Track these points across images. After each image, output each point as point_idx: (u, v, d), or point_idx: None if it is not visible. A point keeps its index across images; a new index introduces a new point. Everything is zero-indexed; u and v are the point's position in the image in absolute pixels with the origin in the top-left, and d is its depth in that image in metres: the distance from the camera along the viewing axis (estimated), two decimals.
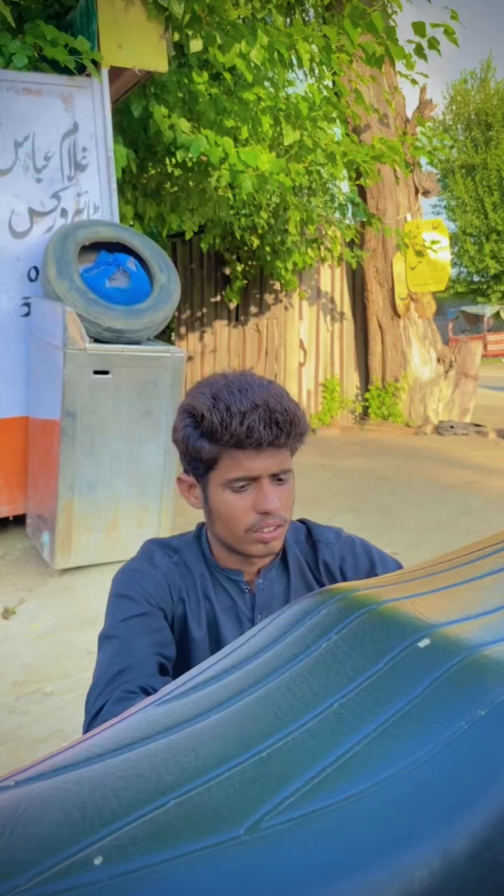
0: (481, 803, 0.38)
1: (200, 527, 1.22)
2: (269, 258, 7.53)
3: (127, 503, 3.70)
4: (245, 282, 8.29)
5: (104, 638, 1.10)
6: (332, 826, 0.39)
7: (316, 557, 1.22)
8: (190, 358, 8.60)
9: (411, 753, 0.41)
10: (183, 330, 8.83)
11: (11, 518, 4.13)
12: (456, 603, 0.56)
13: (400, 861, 0.37)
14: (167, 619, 1.13)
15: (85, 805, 0.42)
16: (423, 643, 0.49)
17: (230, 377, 1.10)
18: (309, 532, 1.25)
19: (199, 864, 0.37)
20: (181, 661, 1.14)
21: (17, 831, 0.41)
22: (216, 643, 1.15)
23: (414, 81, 5.89)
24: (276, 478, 1.09)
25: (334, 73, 5.58)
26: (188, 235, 6.08)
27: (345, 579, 1.21)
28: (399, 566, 1.23)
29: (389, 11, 5.71)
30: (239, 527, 1.09)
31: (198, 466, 1.11)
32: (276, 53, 4.24)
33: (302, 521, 1.27)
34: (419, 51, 4.50)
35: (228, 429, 1.04)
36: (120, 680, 1.01)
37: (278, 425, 1.05)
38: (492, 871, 0.37)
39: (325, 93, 5.45)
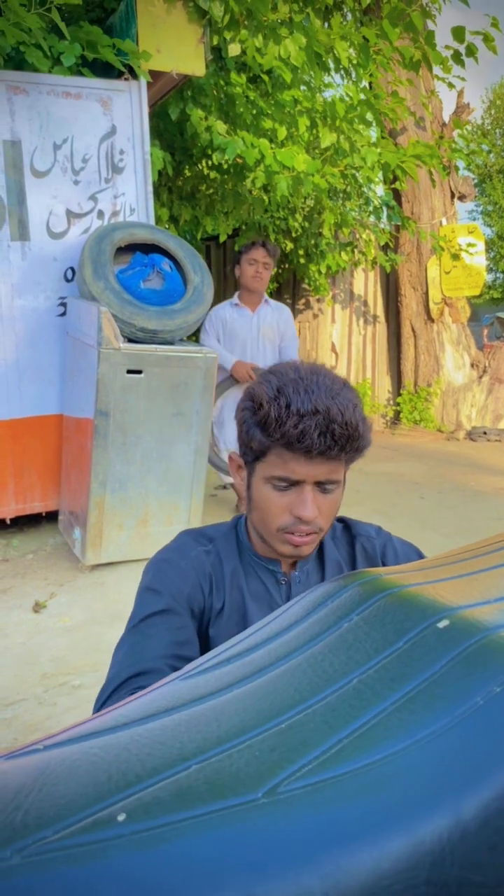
0: (495, 775, 0.39)
1: (238, 517, 1.22)
2: (302, 261, 7.54)
3: (157, 501, 3.74)
4: (276, 285, 8.31)
5: (126, 631, 1.11)
6: (348, 792, 0.40)
7: (353, 553, 1.20)
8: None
9: (427, 727, 0.42)
10: None
11: (45, 514, 4.19)
12: (476, 588, 0.57)
13: (412, 826, 0.38)
14: (194, 614, 1.13)
15: (110, 768, 0.44)
16: (443, 624, 0.49)
17: (302, 371, 1.05)
18: (347, 528, 1.23)
19: (217, 824, 0.39)
20: (207, 651, 1.14)
21: (45, 790, 0.43)
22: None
23: (451, 85, 5.85)
24: (322, 486, 1.05)
25: (371, 76, 5.58)
26: (222, 238, 6.11)
27: None
28: None
29: (430, 13, 5.68)
30: (273, 523, 1.07)
31: (248, 452, 1.08)
32: (313, 55, 4.25)
33: (339, 519, 1.24)
34: (457, 57, 4.48)
35: (282, 427, 1.00)
36: (130, 685, 1.01)
37: (334, 436, 1.01)
38: (503, 838, 0.38)
39: (362, 95, 5.45)
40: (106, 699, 1.02)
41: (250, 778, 0.41)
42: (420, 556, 1.23)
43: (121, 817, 0.39)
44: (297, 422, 0.99)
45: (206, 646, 1.15)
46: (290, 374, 1.05)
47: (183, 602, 1.12)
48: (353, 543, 1.21)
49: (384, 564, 1.19)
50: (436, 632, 0.49)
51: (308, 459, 1.02)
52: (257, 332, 4.14)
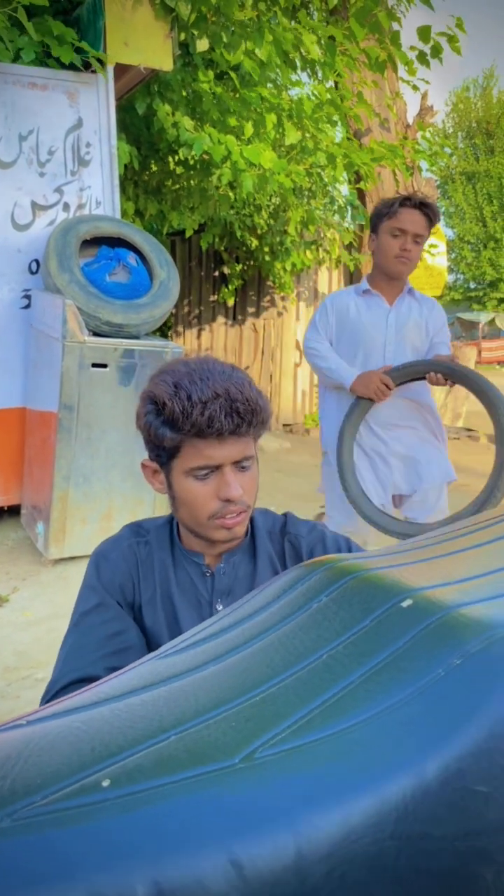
0: (454, 739, 0.43)
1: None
2: (267, 258, 7.57)
3: (121, 495, 3.73)
4: (242, 282, 8.33)
5: (69, 627, 1.16)
6: (319, 757, 0.43)
7: (283, 549, 1.23)
8: (186, 356, 8.62)
9: (393, 696, 0.45)
10: (180, 328, 8.87)
11: (6, 508, 4.16)
12: (436, 572, 0.60)
13: (378, 786, 0.41)
14: (126, 603, 1.17)
15: (93, 739, 0.46)
16: (406, 603, 0.53)
17: (192, 364, 1.09)
18: (285, 524, 1.25)
19: (198, 787, 0.41)
20: (143, 639, 1.16)
21: (31, 760, 0.45)
22: (174, 624, 1.16)
23: (415, 87, 5.94)
24: (239, 465, 1.09)
25: (338, 75, 5.63)
26: (188, 233, 6.11)
27: None
28: None
29: (397, 14, 5.76)
30: (202, 513, 1.09)
31: (161, 454, 1.10)
32: (281, 51, 4.28)
33: (284, 515, 1.28)
34: (422, 58, 4.55)
35: (189, 418, 1.03)
36: (69, 691, 1.04)
37: (239, 414, 1.05)
38: (462, 796, 0.41)
39: (328, 95, 5.50)
40: (49, 699, 1.07)
41: (227, 746, 0.44)
42: (350, 547, 1.25)
43: (105, 783, 0.41)
44: (202, 409, 1.03)
45: (140, 629, 1.18)
46: (181, 368, 1.09)
47: (116, 593, 1.16)
48: (283, 540, 1.24)
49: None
50: (400, 610, 0.52)
51: (221, 442, 1.06)
52: (395, 333, 2.64)
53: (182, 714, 0.48)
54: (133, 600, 1.17)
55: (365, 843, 0.39)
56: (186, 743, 0.45)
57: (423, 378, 2.49)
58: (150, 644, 1.15)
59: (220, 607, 1.16)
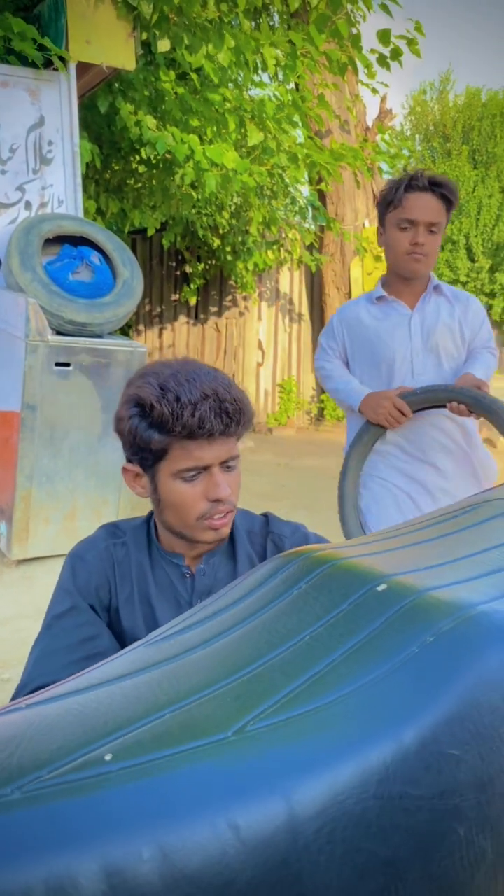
0: (429, 708, 0.47)
1: (151, 513, 1.23)
2: (229, 258, 7.60)
3: (85, 495, 3.73)
4: (203, 281, 8.35)
5: (42, 629, 1.15)
6: (307, 728, 0.46)
7: (265, 549, 1.23)
8: (149, 355, 8.60)
9: (372, 672, 0.49)
10: (141, 326, 8.84)
11: None
12: (406, 559, 0.64)
13: (361, 753, 0.45)
14: (102, 605, 1.16)
15: (92, 719, 0.49)
16: (381, 588, 0.56)
17: (175, 365, 1.09)
18: (266, 524, 1.25)
19: (196, 758, 0.44)
20: (123, 645, 1.15)
21: (34, 739, 0.47)
22: (153, 625, 1.15)
23: (375, 90, 6.04)
24: (225, 465, 1.10)
25: (298, 77, 5.69)
26: (150, 232, 6.11)
27: None
28: None
29: (354, 20, 5.84)
30: (191, 515, 1.10)
31: (146, 457, 1.09)
32: (242, 56, 4.32)
33: (265, 515, 1.28)
34: (382, 60, 4.63)
35: (180, 420, 1.03)
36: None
37: (228, 415, 1.06)
38: (437, 760, 0.45)
39: (289, 96, 5.55)
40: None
41: (220, 720, 0.47)
42: None
43: (108, 757, 0.44)
44: (192, 411, 1.03)
45: (117, 631, 1.17)
46: (164, 370, 1.08)
47: (91, 596, 1.15)
48: (266, 539, 1.24)
49: None
50: (375, 594, 0.56)
51: (210, 443, 1.06)
52: (422, 341, 2.17)
53: (175, 694, 0.51)
54: (109, 602, 1.17)
55: (350, 803, 0.43)
56: (181, 719, 0.48)
57: (444, 406, 2.05)
58: (128, 642, 1.14)
59: None
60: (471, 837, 0.45)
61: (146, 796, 0.42)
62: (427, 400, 2.08)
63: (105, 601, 1.17)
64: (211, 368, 1.11)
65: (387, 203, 2.06)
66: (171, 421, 1.03)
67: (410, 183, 2.02)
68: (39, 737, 0.47)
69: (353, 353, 2.24)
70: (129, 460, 1.14)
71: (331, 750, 0.44)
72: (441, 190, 2.01)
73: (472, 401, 2.02)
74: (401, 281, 2.15)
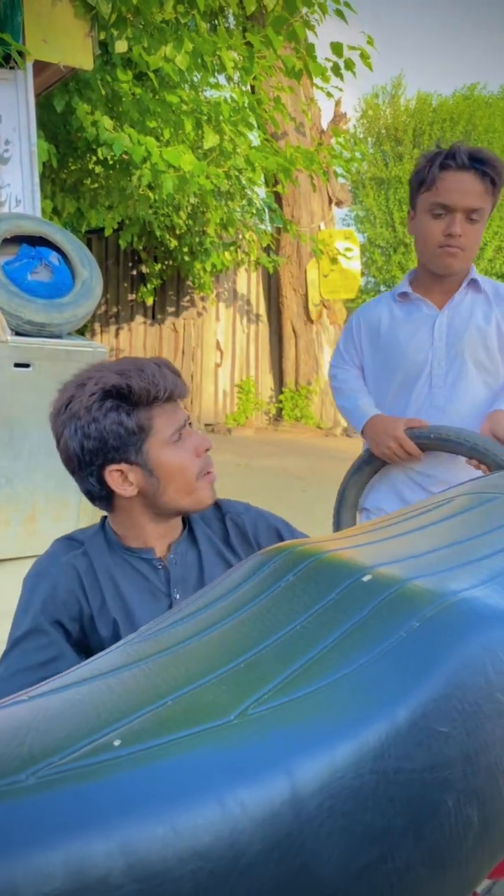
0: (418, 688, 0.50)
1: (104, 518, 1.25)
2: (186, 258, 7.60)
3: (45, 497, 3.69)
4: (160, 281, 8.33)
5: (2, 655, 1.14)
6: (305, 710, 0.49)
7: (226, 529, 1.27)
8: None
9: (364, 656, 0.52)
10: (97, 327, 8.77)
11: None
12: (388, 551, 0.67)
13: (357, 731, 0.47)
14: (71, 619, 1.16)
15: (97, 707, 0.51)
16: (366, 578, 0.59)
17: (100, 364, 1.18)
18: (216, 506, 1.28)
19: (201, 742, 0.47)
20: (98, 650, 1.16)
21: (42, 727, 0.49)
22: (131, 625, 1.16)
23: (329, 94, 6.12)
24: (188, 423, 1.20)
25: (255, 79, 5.73)
26: (108, 232, 6.07)
27: (258, 546, 1.26)
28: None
29: (310, 24, 5.90)
30: (192, 475, 1.15)
31: (134, 441, 1.11)
32: (200, 59, 4.33)
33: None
34: (336, 70, 4.71)
35: (158, 386, 1.11)
36: None
37: (178, 375, 1.17)
38: (427, 736, 0.48)
39: (246, 99, 5.58)
40: None
41: (222, 706, 0.49)
42: (289, 528, 1.31)
43: (117, 742, 0.46)
44: (161, 377, 1.12)
45: (95, 640, 1.17)
46: (103, 366, 1.16)
47: (57, 611, 1.15)
48: (224, 520, 1.28)
49: (256, 538, 1.27)
50: (361, 584, 0.59)
51: (175, 405, 1.16)
52: (445, 347, 1.76)
53: (175, 682, 0.53)
54: (81, 614, 1.17)
55: (348, 778, 0.45)
56: (184, 706, 0.50)
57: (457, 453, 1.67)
58: (108, 646, 1.15)
59: (178, 596, 1.18)
60: (459, 807, 0.48)
61: (157, 778, 0.44)
62: (441, 447, 1.68)
63: (74, 613, 1.17)
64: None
65: (418, 183, 1.69)
66: (150, 390, 1.10)
67: (446, 159, 1.63)
68: (47, 726, 0.49)
69: (371, 361, 1.88)
70: (107, 464, 1.14)
71: (329, 730, 0.47)
72: (484, 168, 1.62)
73: (497, 466, 1.58)
74: (431, 276, 1.78)
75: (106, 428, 1.10)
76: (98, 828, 0.41)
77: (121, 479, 1.15)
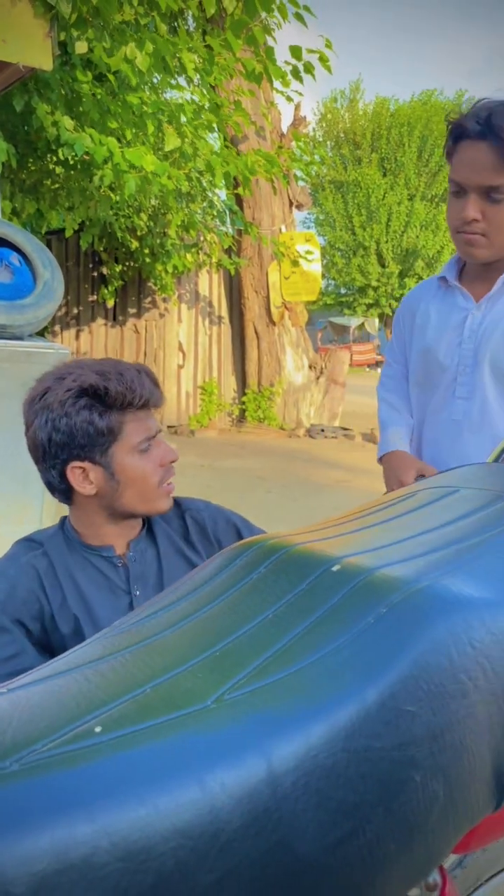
0: (387, 670, 0.52)
1: (64, 518, 1.26)
2: (147, 260, 7.58)
3: (6, 500, 3.65)
4: (122, 282, 8.29)
5: None
6: (279, 694, 0.51)
7: (186, 526, 1.29)
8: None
9: (334, 641, 0.54)
10: (58, 328, 8.69)
11: None
12: (357, 542, 0.70)
13: (329, 713, 0.50)
14: (32, 618, 1.17)
15: (77, 696, 0.52)
16: (336, 568, 0.62)
17: (82, 362, 1.18)
18: (175, 504, 1.30)
19: (180, 726, 0.48)
20: (61, 649, 1.16)
21: (23, 718, 0.50)
22: (91, 622, 1.17)
23: (289, 98, 6.17)
24: (158, 432, 1.22)
25: (215, 80, 5.75)
26: (68, 233, 6.03)
27: (218, 542, 1.29)
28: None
29: (269, 28, 5.94)
30: (152, 485, 1.17)
31: (102, 443, 1.13)
32: (160, 60, 4.33)
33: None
34: (295, 73, 4.75)
35: (135, 392, 1.13)
36: None
37: (156, 384, 1.19)
38: (395, 716, 0.50)
39: (206, 102, 5.60)
40: None
41: (199, 692, 0.51)
42: (247, 525, 1.34)
43: (98, 729, 0.48)
44: (139, 383, 1.14)
45: (56, 638, 1.19)
46: (82, 364, 1.17)
47: (17, 611, 1.16)
48: (184, 517, 1.30)
49: (216, 534, 1.30)
50: (331, 574, 0.61)
51: (149, 412, 1.18)
52: (473, 351, 1.49)
53: (153, 671, 0.54)
54: (42, 613, 1.18)
55: (322, 757, 0.47)
56: (162, 693, 0.51)
57: None
58: (69, 645, 1.15)
59: (138, 593, 1.20)
60: (426, 783, 0.51)
61: (138, 761, 0.45)
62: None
63: (34, 612, 1.18)
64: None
65: (448, 155, 1.45)
66: (127, 395, 1.12)
67: (461, 130, 1.37)
68: (28, 716, 0.50)
69: (410, 358, 1.63)
70: (71, 460, 1.15)
71: (303, 711, 0.49)
72: (501, 135, 1.33)
73: None
74: (468, 265, 1.53)
75: (76, 425, 1.12)
76: (82, 810, 0.42)
77: (82, 476, 1.17)
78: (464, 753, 0.53)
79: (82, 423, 1.11)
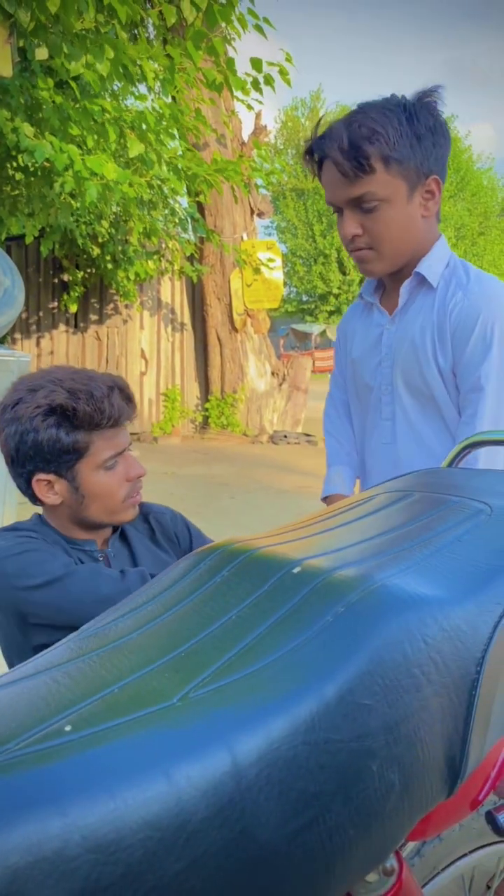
0: (344, 666, 0.55)
1: (38, 516, 1.28)
2: (109, 267, 7.56)
3: None
4: (84, 289, 8.24)
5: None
6: (242, 691, 0.53)
7: (151, 527, 1.34)
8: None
9: (294, 640, 0.57)
10: (18, 335, 8.60)
11: None
12: (316, 545, 0.73)
13: (289, 707, 0.52)
14: None
15: (46, 698, 0.54)
16: (296, 570, 0.64)
17: (58, 372, 1.18)
18: (139, 507, 1.34)
19: (148, 723, 0.50)
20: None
21: None
22: None
23: (250, 107, 6.23)
24: (128, 448, 1.23)
25: (177, 91, 5.77)
26: (28, 240, 5.98)
27: (179, 541, 1.37)
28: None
29: (229, 38, 5.99)
30: (117, 500, 1.19)
31: (67, 459, 1.15)
32: (121, 68, 4.34)
33: None
34: (255, 84, 4.81)
35: (103, 413, 1.13)
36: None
37: (130, 399, 1.20)
38: (353, 709, 0.53)
39: (168, 109, 5.62)
40: None
41: (165, 690, 0.53)
42: (199, 533, 1.40)
43: (68, 728, 0.49)
44: (110, 403, 1.14)
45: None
46: (56, 376, 1.16)
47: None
48: (148, 519, 1.36)
49: (177, 535, 1.36)
50: (292, 576, 0.64)
51: (121, 429, 1.18)
52: (391, 369, 1.40)
53: (120, 672, 0.56)
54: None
55: (283, 749, 0.50)
56: (130, 693, 0.53)
57: None
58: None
59: None
60: (382, 772, 0.53)
61: (107, 757, 0.47)
62: None
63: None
64: (82, 368, 1.22)
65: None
66: (95, 416, 1.13)
67: (309, 150, 1.33)
68: None
69: (352, 387, 1.53)
70: (37, 472, 1.17)
71: (264, 707, 0.51)
72: (350, 152, 1.22)
73: None
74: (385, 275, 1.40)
75: (43, 441, 1.13)
76: (54, 805, 0.44)
77: (46, 488, 1.19)
78: (418, 744, 0.56)
79: (49, 439, 1.13)
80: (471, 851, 0.91)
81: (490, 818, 0.73)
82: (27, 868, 0.42)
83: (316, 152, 1.30)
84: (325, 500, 1.63)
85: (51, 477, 1.17)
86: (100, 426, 1.14)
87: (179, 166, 5.35)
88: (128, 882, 0.44)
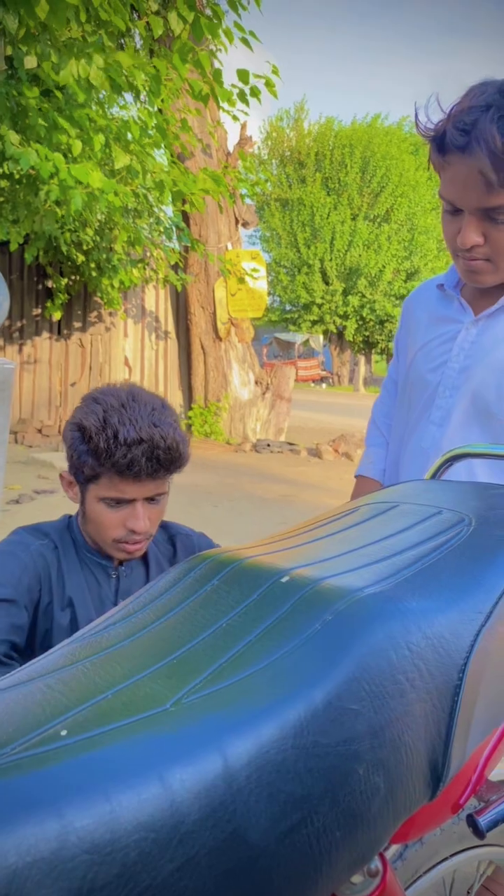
0: (332, 673, 0.56)
1: (68, 516, 1.31)
2: (94, 274, 7.56)
3: None
4: (68, 296, 8.24)
5: None
6: (233, 696, 0.55)
7: (175, 550, 1.35)
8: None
9: (283, 647, 0.59)
10: (1, 341, 8.57)
11: None
12: (304, 555, 0.75)
13: (279, 713, 0.54)
14: (31, 603, 1.21)
15: (42, 704, 0.55)
16: (285, 579, 0.66)
17: (123, 396, 1.15)
18: (164, 528, 1.36)
19: (141, 728, 0.52)
20: (46, 643, 1.22)
21: None
22: (75, 625, 1.23)
23: (235, 118, 6.28)
24: (151, 500, 1.18)
25: (162, 101, 5.81)
26: (13, 247, 5.97)
27: None
28: None
29: (215, 51, 6.04)
30: (108, 536, 1.19)
31: (79, 474, 1.18)
32: (110, 76, 4.37)
33: (163, 523, 1.36)
34: (242, 96, 4.86)
35: (112, 457, 1.10)
36: None
37: (159, 461, 1.11)
38: (340, 714, 0.55)
39: (154, 120, 5.65)
40: None
41: (158, 696, 0.55)
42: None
43: (63, 733, 0.51)
44: (125, 452, 1.09)
45: (43, 631, 1.22)
46: (112, 400, 1.14)
47: (23, 592, 1.19)
48: (174, 542, 1.36)
49: None
50: (280, 585, 0.66)
51: (137, 481, 1.14)
52: (458, 372, 1.26)
53: (113, 678, 0.58)
54: (39, 600, 1.21)
55: (273, 753, 0.52)
56: (124, 698, 0.55)
57: None
58: (55, 640, 1.21)
59: None
60: (368, 775, 0.55)
61: (102, 761, 0.49)
62: None
63: (35, 598, 1.21)
64: (159, 404, 1.16)
65: (436, 169, 1.18)
66: (104, 455, 1.12)
67: (444, 137, 1.10)
68: None
69: (408, 372, 1.38)
70: (69, 468, 1.22)
71: (255, 712, 0.53)
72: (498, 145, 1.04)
73: None
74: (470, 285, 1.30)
75: (70, 444, 1.18)
76: (51, 808, 0.45)
77: (67, 485, 1.24)
78: (402, 748, 0.58)
79: (72, 447, 1.17)
80: (451, 855, 0.93)
81: (471, 821, 0.75)
82: (26, 868, 0.43)
83: (451, 144, 1.07)
84: (356, 477, 1.53)
85: (71, 479, 1.22)
86: (104, 465, 1.13)
87: (163, 181, 5.38)
88: (123, 881, 0.45)
